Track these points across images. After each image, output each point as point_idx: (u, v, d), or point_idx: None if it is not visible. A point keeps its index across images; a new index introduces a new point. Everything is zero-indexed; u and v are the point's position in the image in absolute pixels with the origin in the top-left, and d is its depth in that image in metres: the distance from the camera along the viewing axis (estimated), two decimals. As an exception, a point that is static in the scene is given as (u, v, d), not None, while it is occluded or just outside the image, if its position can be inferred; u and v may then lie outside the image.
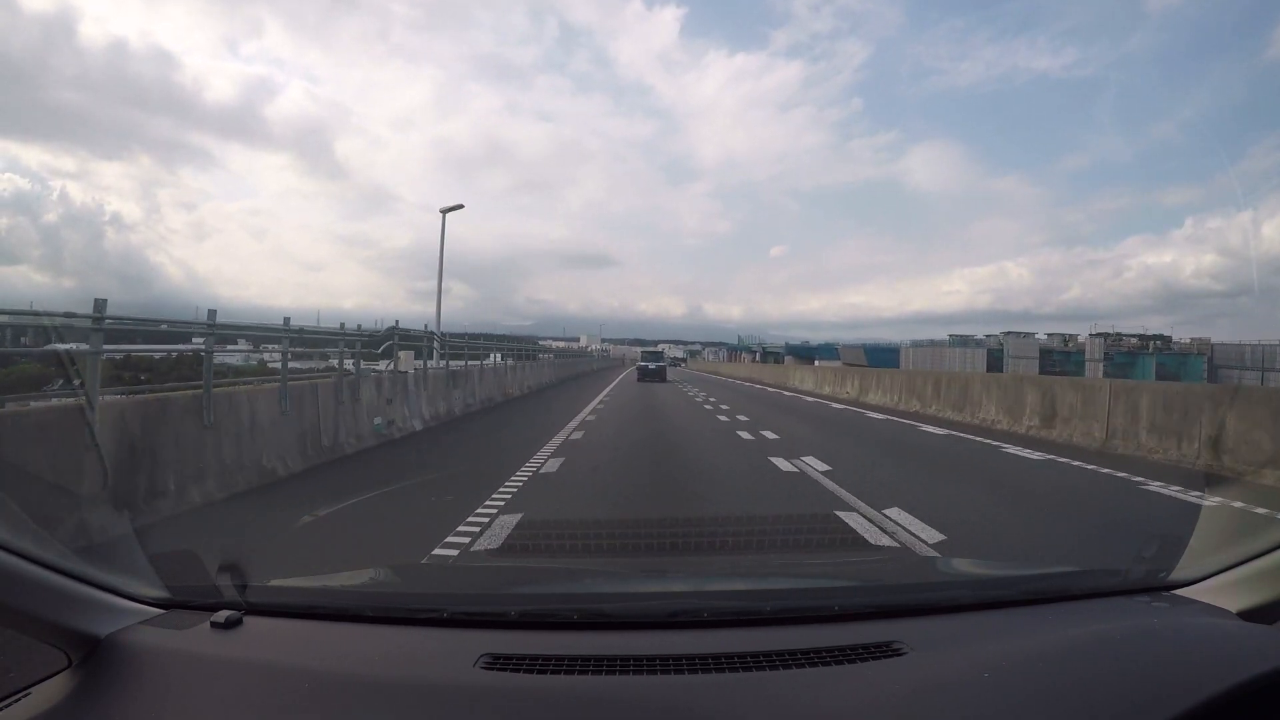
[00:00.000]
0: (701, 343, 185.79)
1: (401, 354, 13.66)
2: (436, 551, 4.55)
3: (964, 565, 2.34)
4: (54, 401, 6.49)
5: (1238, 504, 6.15)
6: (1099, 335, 61.24)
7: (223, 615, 1.38)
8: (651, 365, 34.17)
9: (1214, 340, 57.61)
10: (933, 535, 5.00)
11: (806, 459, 8.64)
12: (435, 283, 22.06)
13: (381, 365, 13.20)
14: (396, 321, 12.47)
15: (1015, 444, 11.01)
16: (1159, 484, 7.45)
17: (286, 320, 9.49)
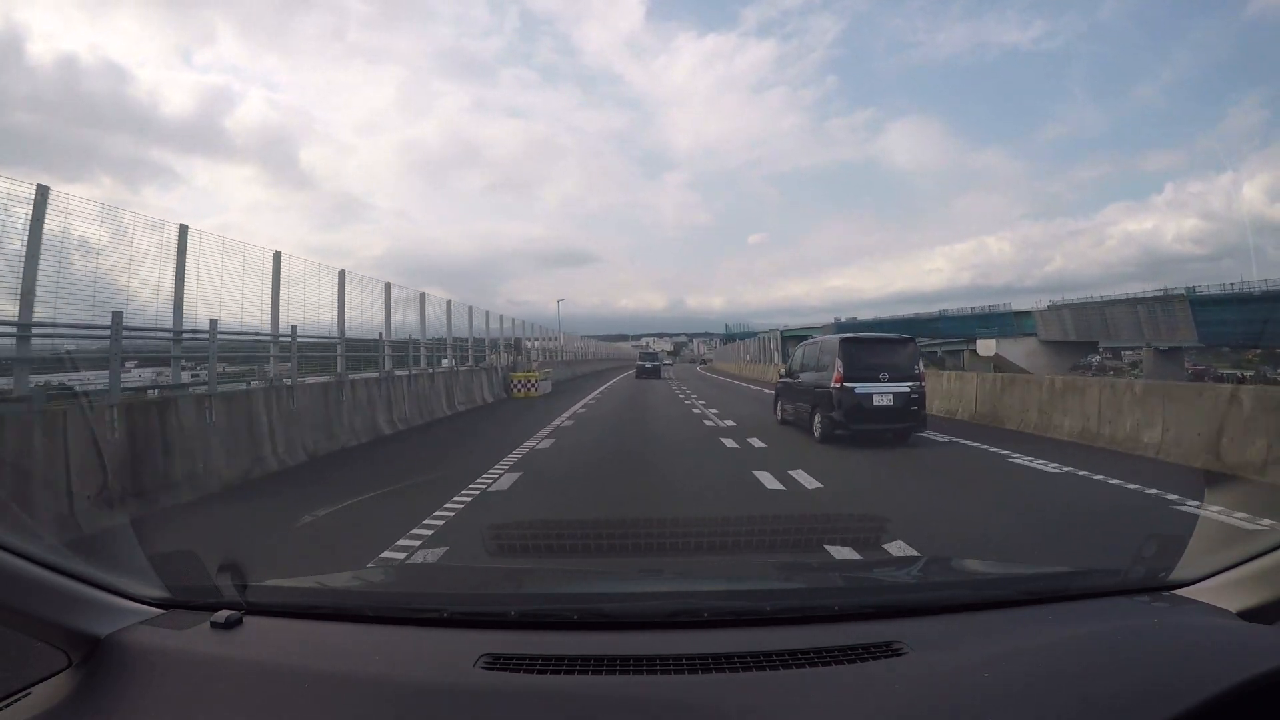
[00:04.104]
0: (688, 334, 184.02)
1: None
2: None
3: (964, 565, 2.33)
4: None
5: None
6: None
7: (223, 615, 1.38)
8: (648, 364, 39.72)
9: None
10: None
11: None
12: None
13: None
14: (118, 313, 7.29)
15: None
16: None
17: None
